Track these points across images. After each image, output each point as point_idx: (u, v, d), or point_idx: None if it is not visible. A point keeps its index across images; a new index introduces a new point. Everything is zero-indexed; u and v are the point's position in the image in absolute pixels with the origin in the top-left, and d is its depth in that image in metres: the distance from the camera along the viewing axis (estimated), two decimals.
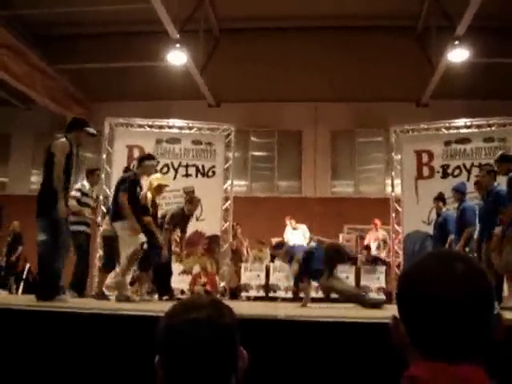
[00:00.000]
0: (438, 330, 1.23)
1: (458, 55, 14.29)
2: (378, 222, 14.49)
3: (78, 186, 9.01)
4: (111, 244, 8.52)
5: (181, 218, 9.78)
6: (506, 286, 7.65)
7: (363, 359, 3.19)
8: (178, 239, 10.01)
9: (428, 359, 1.24)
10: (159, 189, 9.23)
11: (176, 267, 11.08)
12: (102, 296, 8.46)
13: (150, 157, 8.60)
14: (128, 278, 7.91)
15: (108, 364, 3.39)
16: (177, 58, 14.97)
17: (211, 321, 1.49)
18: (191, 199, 10.02)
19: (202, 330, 1.46)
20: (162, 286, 9.43)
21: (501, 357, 1.32)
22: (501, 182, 8.18)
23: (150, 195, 8.97)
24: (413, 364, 1.27)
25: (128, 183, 7.69)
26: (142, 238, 7.54)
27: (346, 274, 12.71)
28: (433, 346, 1.24)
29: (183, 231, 10.05)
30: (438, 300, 1.23)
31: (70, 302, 5.99)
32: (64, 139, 6.52)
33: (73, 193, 8.37)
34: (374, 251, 14.32)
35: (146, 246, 7.59)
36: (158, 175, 10.29)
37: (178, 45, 14.46)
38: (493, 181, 8.25)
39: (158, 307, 5.76)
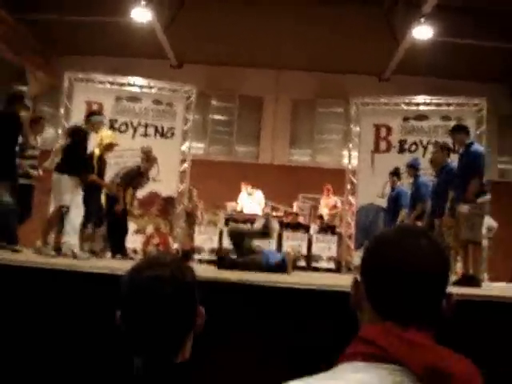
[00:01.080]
0: (396, 296, 1.31)
1: (423, 33, 14.36)
2: (329, 187, 14.54)
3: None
4: None
5: (135, 176, 9.74)
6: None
7: (315, 323, 3.27)
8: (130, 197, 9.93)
9: (381, 321, 1.30)
10: (110, 147, 9.17)
11: (130, 226, 11.05)
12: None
13: (97, 112, 8.63)
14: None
15: (65, 322, 3.40)
16: (142, 15, 14.66)
17: (174, 278, 1.54)
18: (148, 157, 9.98)
19: (165, 286, 1.51)
20: (116, 244, 9.40)
21: (446, 328, 1.39)
22: (454, 159, 8.29)
23: (97, 152, 8.91)
24: (365, 326, 1.34)
25: (73, 137, 7.76)
26: (66, 200, 7.49)
27: (298, 242, 12.87)
28: (389, 310, 1.32)
29: (135, 188, 9.98)
30: (400, 270, 1.31)
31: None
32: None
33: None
34: (325, 217, 14.45)
35: (65, 209, 7.52)
36: (109, 132, 10.20)
37: (143, 1, 14.18)
38: (446, 157, 8.34)
39: (114, 265, 5.76)
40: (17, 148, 7.45)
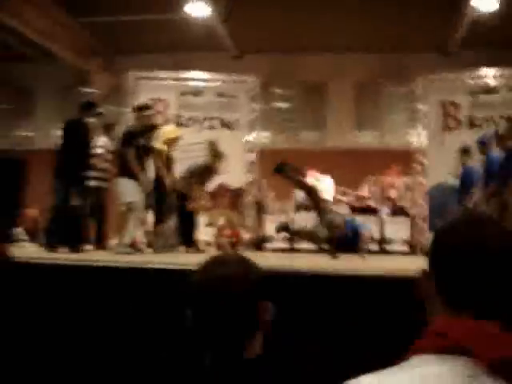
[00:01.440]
0: (468, 287, 1.29)
1: (487, 3, 13.93)
2: (395, 167, 14.28)
3: (99, 143, 9.17)
4: None
5: (203, 172, 9.84)
6: None
7: (384, 313, 3.24)
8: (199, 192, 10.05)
9: (453, 314, 1.29)
10: (172, 142, 9.32)
11: (201, 220, 11.19)
12: None
13: (145, 107, 8.73)
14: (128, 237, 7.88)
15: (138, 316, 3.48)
16: (199, 8, 14.77)
17: (239, 277, 1.56)
18: (215, 153, 10.07)
19: (231, 285, 1.54)
20: (187, 238, 9.56)
21: None
22: None
23: (164, 148, 9.09)
24: (437, 319, 1.32)
25: (125, 138, 7.88)
26: (131, 197, 7.63)
27: (370, 226, 12.76)
28: (461, 301, 1.30)
29: (203, 184, 10.11)
30: (471, 259, 1.29)
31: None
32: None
33: (98, 150, 8.72)
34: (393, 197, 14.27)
35: (131, 206, 7.64)
36: (171, 127, 10.40)
37: None
38: None
39: (183, 259, 5.85)
40: (90, 152, 7.86)
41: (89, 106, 8.18)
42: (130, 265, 4.08)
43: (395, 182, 14.35)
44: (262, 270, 1.65)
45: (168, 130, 9.67)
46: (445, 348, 1.23)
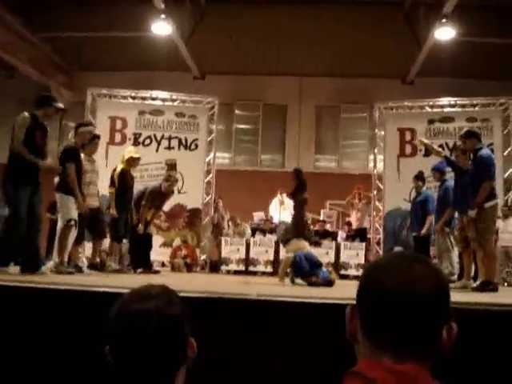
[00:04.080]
0: (390, 325, 1.27)
1: (445, 33, 14.21)
2: (357, 188, 14.28)
3: None
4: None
5: (157, 196, 9.73)
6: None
7: (332, 342, 3.20)
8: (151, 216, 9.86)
9: (376, 354, 1.26)
10: (131, 161, 9.25)
11: (156, 239, 11.08)
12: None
13: (85, 123, 8.46)
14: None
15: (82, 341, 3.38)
16: (162, 28, 14.75)
17: (160, 311, 1.50)
18: (168, 177, 9.98)
19: (151, 320, 1.47)
20: (137, 259, 9.41)
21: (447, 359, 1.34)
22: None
23: (119, 168, 9.01)
24: (360, 360, 1.29)
25: (68, 154, 7.57)
26: (73, 214, 7.37)
27: (326, 250, 12.77)
28: (384, 340, 1.27)
29: (158, 208, 10.01)
30: (394, 297, 1.27)
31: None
32: (26, 114, 6.53)
33: None
34: (355, 222, 14.27)
35: (73, 223, 7.35)
36: (131, 148, 10.39)
37: (163, 15, 14.24)
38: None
39: (127, 281, 5.74)
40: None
41: (45, 100, 7.06)
42: (72, 287, 3.95)
43: (356, 204, 14.38)
44: (185, 305, 1.58)
45: (128, 150, 9.63)
46: None
